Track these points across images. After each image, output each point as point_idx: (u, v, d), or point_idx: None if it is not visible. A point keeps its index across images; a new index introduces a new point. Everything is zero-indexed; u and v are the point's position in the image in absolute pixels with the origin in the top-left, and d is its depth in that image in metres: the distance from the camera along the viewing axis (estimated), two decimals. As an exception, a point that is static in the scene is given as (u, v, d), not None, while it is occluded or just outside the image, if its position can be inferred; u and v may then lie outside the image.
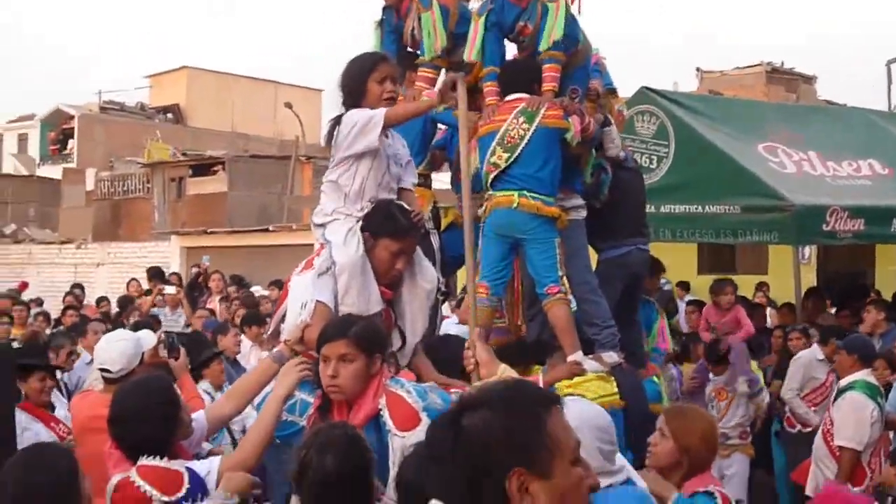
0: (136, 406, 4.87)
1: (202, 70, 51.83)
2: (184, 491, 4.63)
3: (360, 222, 5.77)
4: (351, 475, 4.11)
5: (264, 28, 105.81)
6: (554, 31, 7.30)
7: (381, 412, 4.88)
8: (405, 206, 5.91)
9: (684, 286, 19.17)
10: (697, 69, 46.16)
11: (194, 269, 19.61)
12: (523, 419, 2.58)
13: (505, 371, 5.15)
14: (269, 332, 6.17)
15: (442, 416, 2.64)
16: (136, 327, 9.52)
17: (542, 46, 7.32)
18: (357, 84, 5.92)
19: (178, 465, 4.74)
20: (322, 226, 5.91)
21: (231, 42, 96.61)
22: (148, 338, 7.27)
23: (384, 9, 7.79)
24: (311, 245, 22.57)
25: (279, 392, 5.14)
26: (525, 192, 7.03)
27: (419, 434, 4.69)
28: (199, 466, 4.79)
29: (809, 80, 46.35)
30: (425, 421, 4.80)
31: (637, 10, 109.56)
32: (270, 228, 31.72)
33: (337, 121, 5.89)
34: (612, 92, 8.34)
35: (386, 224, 5.72)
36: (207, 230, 32.89)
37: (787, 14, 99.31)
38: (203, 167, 37.54)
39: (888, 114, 19.95)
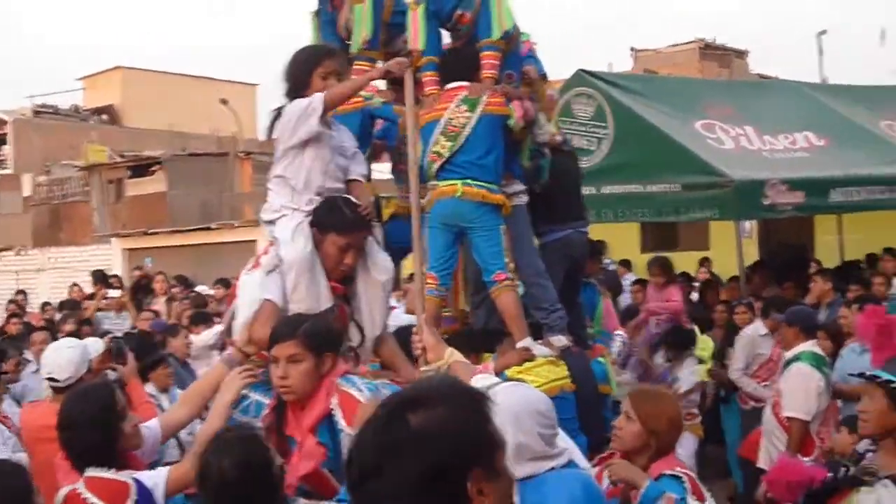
0: (79, 413, 4.85)
1: (136, 70, 51.37)
2: (130, 503, 4.61)
3: (308, 217, 5.69)
4: (250, 476, 4.11)
5: (198, 24, 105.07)
6: (503, 20, 7.29)
7: (334, 411, 4.85)
8: (352, 199, 5.82)
9: (626, 264, 19.29)
10: (631, 49, 46.43)
11: (136, 272, 19.49)
12: (474, 417, 2.47)
13: (452, 355, 5.18)
14: (220, 331, 6.10)
15: (379, 414, 2.52)
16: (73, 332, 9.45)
17: (494, 35, 7.30)
18: (301, 78, 5.84)
19: (125, 476, 4.69)
20: (271, 222, 5.82)
21: (164, 40, 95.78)
22: (95, 345, 7.22)
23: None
24: (255, 241, 22.52)
25: (225, 398, 5.12)
26: (469, 181, 7.01)
27: None
28: (146, 477, 4.74)
29: (742, 54, 46.75)
30: None
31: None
32: (212, 226, 31.61)
33: (278, 113, 5.84)
34: (543, 77, 8.35)
35: (332, 218, 5.64)
36: (149, 231, 32.71)
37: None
38: (141, 168, 37.29)
39: (820, 85, 20.15)
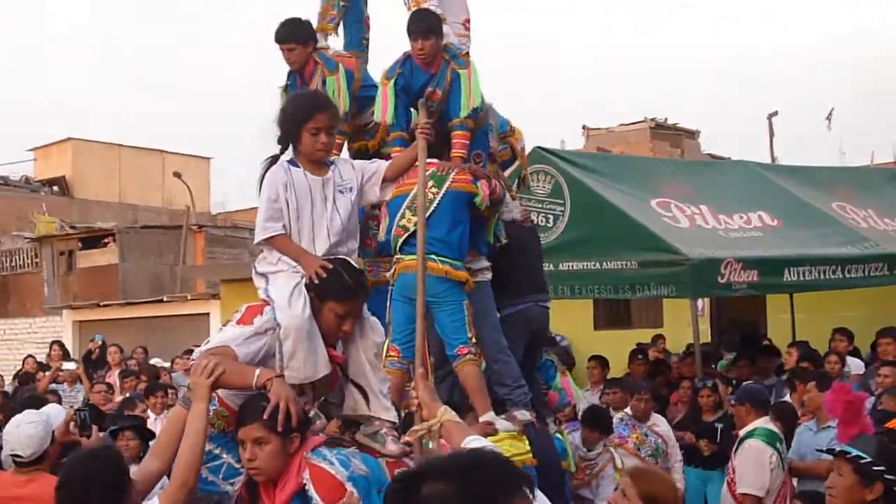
0: (88, 476, 4.87)
1: (87, 141, 51.20)
2: None
3: (305, 279, 5.43)
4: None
5: (152, 97, 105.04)
6: (471, 98, 7.40)
7: (307, 486, 4.82)
8: (351, 262, 5.59)
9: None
10: (584, 127, 46.83)
11: (91, 344, 19.37)
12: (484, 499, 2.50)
13: (446, 413, 5.05)
14: None
15: (398, 481, 2.53)
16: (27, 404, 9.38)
17: (462, 113, 7.39)
18: (291, 130, 5.60)
19: None
20: (264, 276, 5.55)
21: (116, 112, 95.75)
22: (57, 413, 7.16)
23: (289, 73, 7.82)
24: (207, 314, 22.36)
25: (200, 405, 4.99)
26: (433, 256, 7.00)
27: None
28: None
29: (692, 134, 47.23)
30: (350, 491, 4.79)
31: (519, 69, 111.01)
32: (164, 299, 31.40)
33: (266, 167, 5.62)
34: (510, 131, 8.44)
35: (332, 286, 5.36)
36: (100, 303, 32.43)
37: (668, 71, 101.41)
38: (93, 239, 37.05)
39: (773, 166, 20.45)
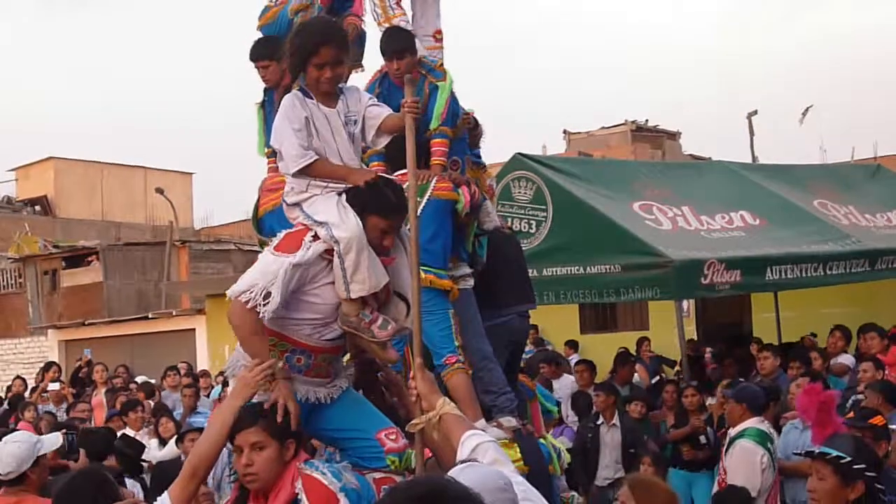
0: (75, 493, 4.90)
1: (69, 160, 51.12)
2: None
3: (344, 195, 5.40)
4: None
5: (134, 113, 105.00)
6: (444, 110, 7.43)
7: (299, 496, 4.85)
8: (392, 179, 5.60)
9: (572, 345, 19.50)
10: (564, 131, 46.93)
11: (77, 363, 19.37)
12: None
13: (445, 405, 5.00)
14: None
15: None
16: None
17: (433, 125, 7.42)
18: (298, 61, 5.55)
19: None
20: (296, 205, 5.49)
21: (98, 130, 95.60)
22: (52, 440, 7.13)
23: (265, 90, 7.82)
24: (193, 330, 22.34)
25: (234, 403, 5.03)
26: (417, 266, 7.03)
27: None
28: None
29: (673, 136, 47.38)
30: (343, 501, 4.82)
31: (500, 74, 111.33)
32: (150, 316, 31.40)
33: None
34: (482, 166, 8.47)
35: (376, 201, 5.33)
36: (86, 321, 32.42)
37: (649, 72, 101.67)
38: (77, 258, 37.01)
39: (754, 165, 20.53)
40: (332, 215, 5.30)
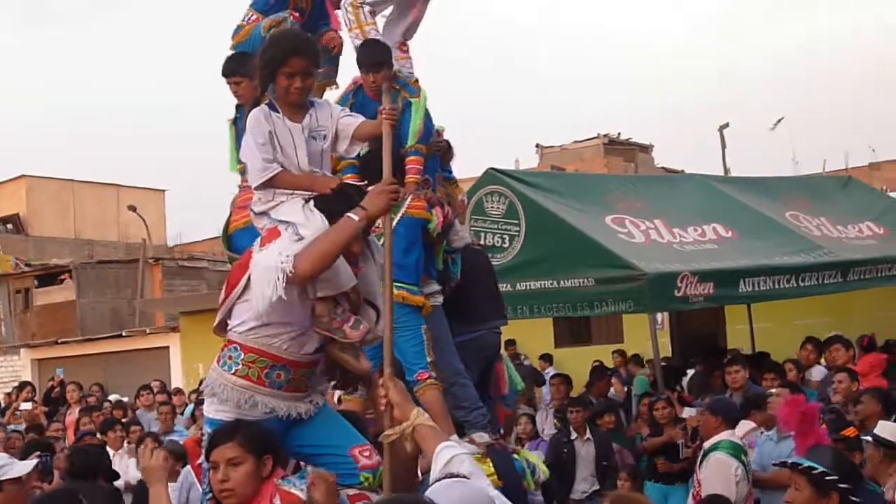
0: None
1: (41, 178, 50.91)
2: None
3: (311, 201, 5.44)
4: None
5: (106, 131, 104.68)
6: (420, 127, 7.44)
7: None
8: (360, 186, 5.62)
9: (547, 359, 19.53)
10: (537, 145, 47.00)
11: (50, 383, 19.28)
12: None
13: (418, 416, 4.98)
14: (216, 323, 5.69)
15: None
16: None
17: (410, 142, 7.42)
18: (267, 72, 5.57)
19: None
20: (264, 214, 5.56)
21: (70, 148, 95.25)
22: (20, 466, 7.01)
23: (237, 107, 7.80)
24: (167, 348, 22.33)
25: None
26: (389, 282, 7.03)
27: None
28: None
29: (646, 149, 47.51)
30: None
31: (473, 88, 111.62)
32: (124, 334, 31.26)
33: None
34: (452, 182, 8.48)
35: (342, 206, 5.34)
36: (59, 340, 32.27)
37: (620, 87, 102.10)
38: (49, 276, 36.84)
39: (726, 178, 20.61)
40: (298, 216, 5.35)
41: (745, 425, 10.29)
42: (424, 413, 5.13)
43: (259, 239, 5.46)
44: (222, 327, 5.56)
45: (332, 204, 5.35)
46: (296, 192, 5.48)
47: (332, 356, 5.57)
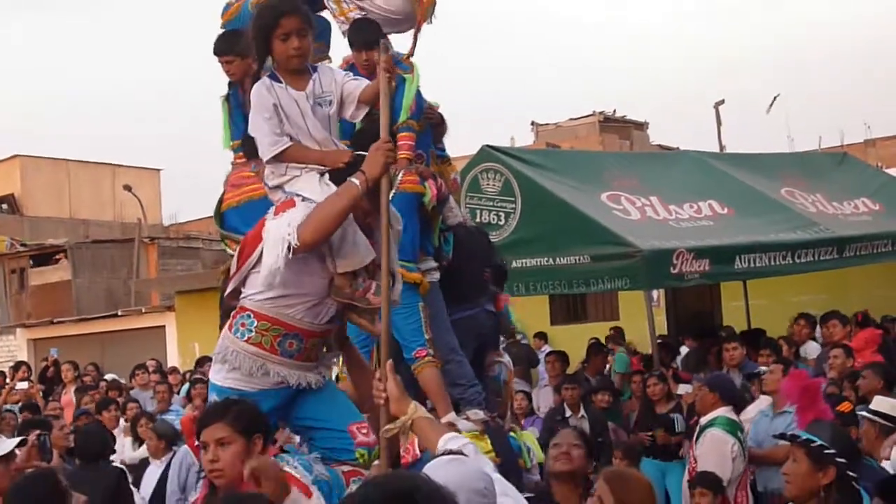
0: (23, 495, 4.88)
1: (35, 158, 50.77)
2: None
3: (327, 175, 5.47)
4: None
5: (100, 111, 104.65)
6: (413, 103, 7.41)
7: None
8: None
9: (542, 336, 19.51)
10: (532, 123, 47.01)
11: (43, 363, 19.27)
12: None
13: (416, 410, 4.97)
14: (228, 291, 5.69)
15: None
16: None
17: (401, 118, 7.39)
18: (262, 43, 5.55)
19: None
20: (278, 187, 5.56)
21: (64, 128, 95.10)
22: (6, 445, 6.95)
23: (229, 84, 7.77)
24: (163, 327, 22.27)
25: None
26: (387, 259, 7.01)
27: None
28: None
29: (641, 126, 47.54)
30: (316, 495, 4.80)
31: (468, 68, 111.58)
32: (119, 313, 31.27)
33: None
34: (446, 160, 8.46)
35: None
36: (54, 320, 32.26)
37: (616, 62, 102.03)
38: (44, 256, 36.84)
39: (721, 155, 20.59)
40: (315, 191, 5.35)
41: (764, 400, 10.31)
42: (422, 407, 5.13)
43: (273, 208, 5.46)
44: (235, 295, 5.56)
45: (346, 177, 5.34)
46: (308, 165, 5.48)
47: (348, 317, 5.62)
